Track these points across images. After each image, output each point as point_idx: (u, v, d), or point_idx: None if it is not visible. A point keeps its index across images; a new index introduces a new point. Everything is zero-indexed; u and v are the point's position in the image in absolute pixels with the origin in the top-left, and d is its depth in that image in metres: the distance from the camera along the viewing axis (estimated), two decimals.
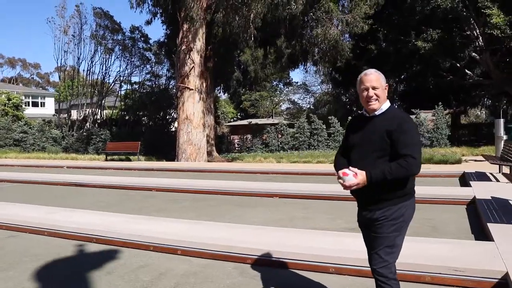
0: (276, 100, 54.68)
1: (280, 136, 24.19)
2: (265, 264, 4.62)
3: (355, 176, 2.71)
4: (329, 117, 23.35)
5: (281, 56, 24.90)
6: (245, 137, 27.58)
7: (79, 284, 4.36)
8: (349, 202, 8.21)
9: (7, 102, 33.66)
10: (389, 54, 28.41)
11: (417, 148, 2.71)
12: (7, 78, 78.59)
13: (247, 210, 8.05)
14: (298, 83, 55.78)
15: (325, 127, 22.83)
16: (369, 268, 4.17)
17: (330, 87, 46.25)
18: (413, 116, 21.82)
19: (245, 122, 36.78)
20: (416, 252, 4.42)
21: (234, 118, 51.69)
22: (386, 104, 2.92)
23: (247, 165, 17.13)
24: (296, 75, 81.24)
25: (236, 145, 28.60)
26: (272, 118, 46.17)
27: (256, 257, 4.72)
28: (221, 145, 28.53)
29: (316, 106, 52.95)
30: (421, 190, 8.60)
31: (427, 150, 18.16)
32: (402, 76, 35.56)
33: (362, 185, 2.71)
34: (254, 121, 33.75)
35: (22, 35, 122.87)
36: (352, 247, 4.66)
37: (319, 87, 54.93)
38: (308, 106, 55.02)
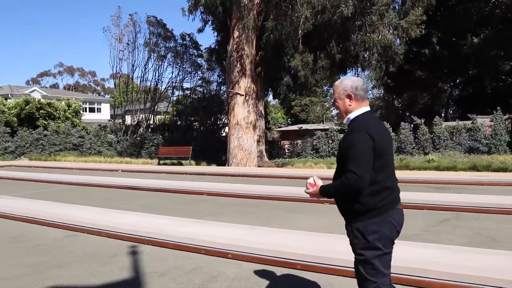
0: (327, 105, 54.24)
1: (330, 141, 23.96)
2: (316, 270, 4.59)
3: (312, 185, 2.88)
4: None
5: (332, 61, 24.65)
6: (295, 142, 27.52)
7: (133, 284, 4.49)
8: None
9: (66, 108, 35.10)
10: (443, 58, 27.65)
11: (359, 162, 2.56)
12: (67, 86, 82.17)
13: (297, 215, 8.03)
14: None
15: None
16: (421, 278, 4.10)
17: (382, 92, 45.43)
18: (469, 122, 21.08)
19: (295, 127, 36.70)
20: (471, 263, 4.28)
21: (285, 124, 51.66)
22: (354, 114, 2.80)
23: (297, 171, 17.08)
24: None
25: (287, 151, 28.56)
26: (323, 123, 45.82)
27: (306, 263, 4.70)
28: (271, 150, 28.57)
29: None
30: (478, 198, 8.37)
31: (484, 157, 17.49)
32: (458, 80, 34.48)
33: (316, 195, 2.86)
34: (304, 126, 33.65)
35: (80, 45, 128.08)
36: (402, 256, 4.56)
37: (370, 92, 54.09)
38: None
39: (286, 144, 30.54)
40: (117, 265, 5.13)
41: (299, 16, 17.59)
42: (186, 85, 36.90)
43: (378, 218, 2.65)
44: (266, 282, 4.40)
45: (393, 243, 2.79)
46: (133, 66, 35.18)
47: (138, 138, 31.05)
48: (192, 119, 34.02)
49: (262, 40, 21.83)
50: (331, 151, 23.42)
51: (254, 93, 21.09)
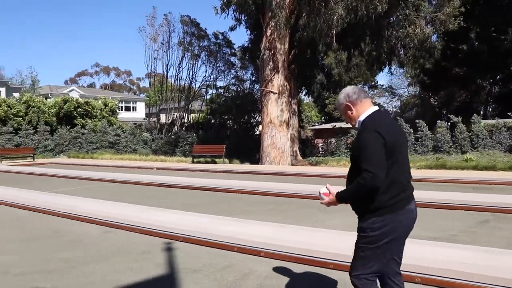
0: None
1: None
2: (348, 270, 4.53)
3: (327, 195, 2.92)
4: (417, 121, 22.52)
5: (366, 58, 24.36)
6: (329, 141, 27.32)
7: (166, 280, 4.56)
8: (437, 210, 7.89)
9: (103, 107, 35.83)
10: (482, 54, 26.91)
11: (372, 161, 2.60)
12: (104, 85, 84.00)
13: (330, 214, 7.95)
14: (384, 86, 54.40)
15: (412, 131, 22.03)
16: (457, 281, 4.01)
17: (418, 89, 44.59)
18: (509, 120, 20.46)
19: (329, 125, 36.44)
20: (510, 265, 4.16)
21: (318, 122, 51.37)
22: (362, 116, 2.87)
23: (331, 169, 16.94)
24: (382, 78, 79.07)
25: (320, 149, 28.39)
26: None
27: (338, 262, 4.65)
28: (305, 148, 28.44)
29: (403, 109, 51.22)
30: None
31: None
32: (497, 77, 33.47)
33: (333, 203, 2.90)
34: (338, 124, 33.34)
35: (116, 45, 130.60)
36: (438, 257, 4.47)
37: (405, 89, 53.16)
38: (394, 110, 53.40)
39: (319, 142, 30.35)
40: (151, 261, 5.21)
41: (332, 13, 17.40)
42: (219, 83, 37.24)
43: (386, 216, 2.69)
44: (298, 281, 4.39)
45: (398, 243, 2.82)
46: (167, 65, 35.71)
47: (172, 136, 31.42)
48: (226, 117, 34.23)
49: (295, 38, 21.74)
50: None
51: (287, 91, 21.03)
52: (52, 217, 8.20)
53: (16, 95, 39.25)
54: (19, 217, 8.37)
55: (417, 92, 46.73)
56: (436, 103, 39.14)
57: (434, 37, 21.35)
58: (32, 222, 7.84)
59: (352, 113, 2.90)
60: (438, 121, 21.76)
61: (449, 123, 21.68)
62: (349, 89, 2.97)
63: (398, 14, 19.61)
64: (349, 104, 2.90)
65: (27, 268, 5.05)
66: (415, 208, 2.84)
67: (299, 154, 24.74)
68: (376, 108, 2.89)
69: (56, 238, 6.59)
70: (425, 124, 21.88)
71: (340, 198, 2.84)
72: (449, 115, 22.66)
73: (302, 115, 41.57)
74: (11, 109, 30.44)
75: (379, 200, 2.67)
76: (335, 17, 17.33)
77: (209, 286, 4.32)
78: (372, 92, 54.92)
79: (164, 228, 6.48)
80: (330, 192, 2.92)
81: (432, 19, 19.64)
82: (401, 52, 22.65)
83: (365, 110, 2.86)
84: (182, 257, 5.31)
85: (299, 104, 34.84)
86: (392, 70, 34.37)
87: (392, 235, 2.71)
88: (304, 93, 35.26)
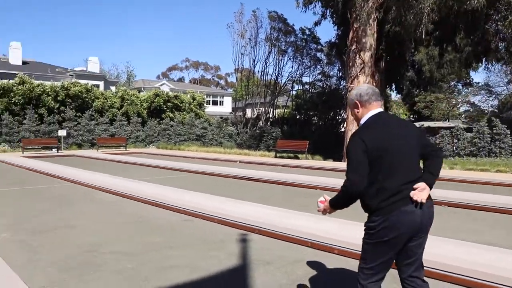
0: (454, 102, 51.05)
1: (456, 140, 22.57)
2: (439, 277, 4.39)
3: (323, 202, 3.00)
4: None
5: (460, 54, 23.12)
6: None
7: (240, 270, 4.68)
8: None
9: (191, 101, 37.10)
10: None
11: (351, 167, 2.64)
12: (193, 79, 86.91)
13: None
14: (480, 84, 51.31)
15: (509, 133, 20.65)
16: None
17: None
18: None
19: (417, 125, 35.15)
20: None
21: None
22: (363, 119, 2.85)
23: None
24: (478, 75, 74.62)
25: None
26: (448, 121, 43.25)
27: (429, 269, 4.49)
28: None
29: (501, 109, 47.97)
30: None
31: None
32: None
33: (329, 210, 2.95)
34: (427, 123, 32.11)
35: (205, 41, 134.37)
36: None
37: (505, 87, 49.77)
38: (490, 109, 50.23)
39: None
40: (226, 250, 5.37)
41: (423, 7, 16.68)
42: (305, 79, 37.01)
43: (382, 216, 2.63)
44: None
45: (396, 244, 2.69)
46: (254, 60, 36.21)
47: (257, 131, 31.84)
48: (311, 113, 34.11)
49: (383, 33, 21.14)
50: (456, 151, 22.06)
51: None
52: (137, 203, 8.70)
53: (113, 88, 41.71)
54: (108, 202, 8.96)
55: None
56: None
57: None
58: (119, 207, 8.36)
59: (358, 112, 2.89)
60: None
61: None
62: (363, 87, 2.91)
63: (499, 4, 18.30)
64: (358, 103, 2.86)
65: (113, 249, 5.42)
66: (417, 209, 2.68)
67: None
68: (378, 110, 2.83)
69: (140, 223, 6.98)
70: None
71: (331, 204, 2.91)
72: None
73: (389, 112, 40.35)
74: (107, 101, 32.43)
75: (371, 203, 2.67)
76: (426, 11, 16.62)
77: (280, 278, 4.38)
78: (466, 90, 52.08)
79: (241, 220, 6.64)
80: (325, 200, 2.98)
81: None
82: (500, 46, 21.24)
83: (367, 113, 2.84)
84: (256, 249, 5.42)
85: (386, 101, 33.86)
86: (489, 67, 32.33)
87: (388, 236, 2.63)
88: (392, 90, 34.22)
